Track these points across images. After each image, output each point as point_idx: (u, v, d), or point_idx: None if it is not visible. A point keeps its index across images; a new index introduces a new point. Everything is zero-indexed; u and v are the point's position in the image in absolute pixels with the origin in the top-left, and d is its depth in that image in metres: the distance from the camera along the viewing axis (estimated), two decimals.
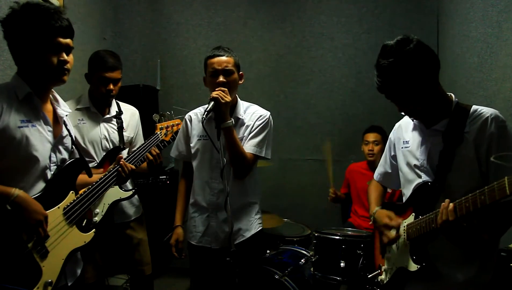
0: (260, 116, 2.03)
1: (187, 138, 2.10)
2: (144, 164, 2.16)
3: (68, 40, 1.50)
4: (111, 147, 2.26)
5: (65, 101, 1.69)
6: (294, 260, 2.65)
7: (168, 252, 2.07)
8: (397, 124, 1.76)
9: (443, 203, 1.33)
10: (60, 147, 1.56)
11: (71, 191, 1.57)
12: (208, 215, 1.99)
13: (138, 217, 2.40)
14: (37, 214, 1.38)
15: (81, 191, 1.62)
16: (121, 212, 2.30)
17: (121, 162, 1.93)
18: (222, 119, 1.84)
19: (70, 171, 1.58)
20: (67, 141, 1.60)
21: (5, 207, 1.34)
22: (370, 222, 1.80)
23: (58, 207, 1.51)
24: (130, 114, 2.41)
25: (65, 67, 1.49)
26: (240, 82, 2.02)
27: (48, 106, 1.57)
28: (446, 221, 1.31)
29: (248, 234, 2.01)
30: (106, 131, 2.27)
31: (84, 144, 2.20)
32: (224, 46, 2.00)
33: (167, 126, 2.26)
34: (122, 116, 2.33)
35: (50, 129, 1.52)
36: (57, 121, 1.58)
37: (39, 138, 1.47)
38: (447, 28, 3.36)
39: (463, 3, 2.91)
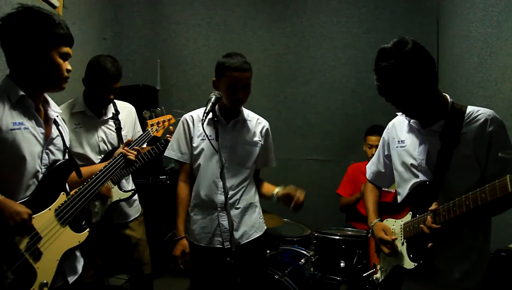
0: (267, 129, 2.13)
1: (190, 138, 2.04)
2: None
3: (68, 49, 1.51)
4: (109, 149, 2.24)
5: (59, 105, 1.70)
6: (294, 260, 2.65)
7: (168, 252, 2.06)
8: (390, 123, 1.76)
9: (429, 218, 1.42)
10: (52, 148, 1.55)
11: (62, 193, 1.57)
12: (217, 214, 1.96)
13: (137, 217, 2.40)
14: (20, 214, 1.37)
15: (72, 192, 1.62)
16: (120, 212, 2.29)
17: (123, 150, 1.95)
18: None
19: (60, 172, 1.57)
20: (58, 142, 1.59)
21: None
22: (369, 235, 1.79)
23: (49, 209, 1.51)
24: (127, 112, 2.40)
25: (67, 75, 1.51)
26: None
27: (40, 108, 1.56)
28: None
29: (257, 234, 2.04)
30: (103, 133, 2.25)
31: (82, 148, 2.17)
32: (240, 53, 1.94)
33: (158, 122, 2.24)
34: (119, 116, 2.31)
35: (43, 131, 1.51)
36: (48, 122, 1.58)
37: (31, 140, 1.47)
38: (447, 28, 3.35)
39: (463, 3, 2.91)
